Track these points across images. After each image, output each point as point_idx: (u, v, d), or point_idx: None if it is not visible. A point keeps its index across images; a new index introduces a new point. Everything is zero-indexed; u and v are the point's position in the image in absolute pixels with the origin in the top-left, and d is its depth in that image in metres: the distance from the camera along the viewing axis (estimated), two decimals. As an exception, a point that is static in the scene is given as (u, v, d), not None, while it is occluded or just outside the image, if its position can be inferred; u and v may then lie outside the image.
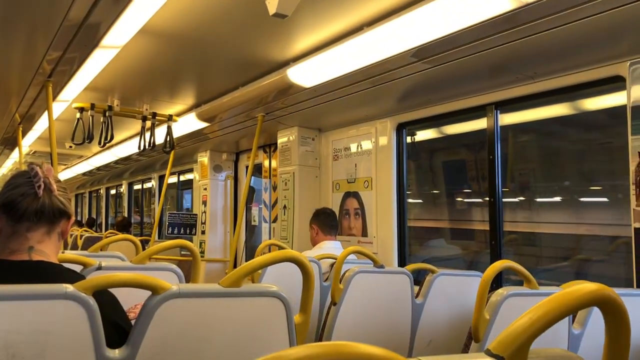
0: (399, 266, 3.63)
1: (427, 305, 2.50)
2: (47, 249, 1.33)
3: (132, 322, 1.35)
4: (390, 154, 3.79)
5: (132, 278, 1.22)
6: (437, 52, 2.59)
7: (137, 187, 9.22)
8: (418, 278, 2.76)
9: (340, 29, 2.80)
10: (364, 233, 3.96)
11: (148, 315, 1.20)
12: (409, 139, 3.85)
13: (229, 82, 3.89)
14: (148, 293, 1.24)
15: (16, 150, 6.89)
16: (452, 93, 3.26)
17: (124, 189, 9.47)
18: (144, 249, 2.68)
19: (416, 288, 2.56)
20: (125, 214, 9.05)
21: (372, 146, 3.95)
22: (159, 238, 6.28)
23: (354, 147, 4.13)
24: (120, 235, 3.00)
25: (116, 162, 7.46)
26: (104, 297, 1.25)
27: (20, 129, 5.28)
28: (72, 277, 1.32)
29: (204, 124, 4.74)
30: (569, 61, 2.59)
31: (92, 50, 2.97)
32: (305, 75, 3.23)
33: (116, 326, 1.27)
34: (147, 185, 8.61)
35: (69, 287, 1.15)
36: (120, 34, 2.76)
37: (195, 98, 4.42)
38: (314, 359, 0.55)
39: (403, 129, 3.80)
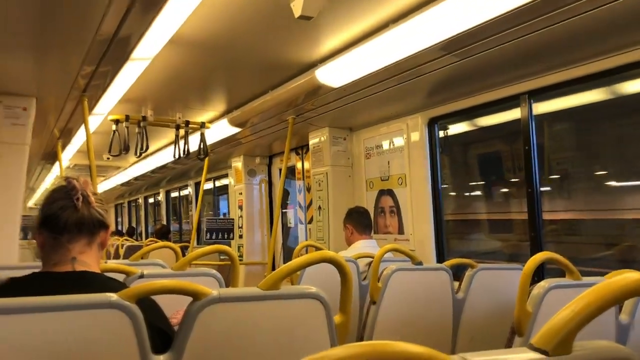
0: (437, 262, 3.59)
1: (468, 300, 2.47)
2: (88, 259, 1.37)
3: (175, 328, 1.38)
4: (423, 149, 3.76)
5: (173, 285, 1.24)
6: (465, 44, 2.56)
7: (174, 194, 9.38)
8: (457, 273, 2.73)
9: (366, 27, 2.79)
10: (400, 230, 3.94)
11: (190, 320, 1.23)
12: (441, 134, 3.81)
13: (259, 86, 3.93)
14: (189, 299, 1.27)
15: (56, 164, 7.10)
16: (483, 84, 3.21)
17: (161, 197, 9.64)
18: (183, 255, 2.72)
19: (456, 284, 2.53)
20: (164, 222, 9.22)
21: (404, 143, 3.92)
22: (197, 244, 6.38)
23: (385, 145, 4.11)
24: (160, 243, 3.06)
25: (153, 171, 7.60)
26: (147, 304, 1.28)
27: (60, 143, 5.43)
28: (115, 285, 1.35)
29: (236, 130, 4.79)
30: (603, 45, 2.52)
31: (124, 63, 3.04)
32: (334, 75, 3.23)
33: (160, 332, 1.30)
34: (184, 192, 8.74)
35: (113, 296, 1.18)
36: (151, 46, 2.81)
37: (226, 104, 4.47)
38: (356, 359, 0.55)
39: (435, 123, 3.77)
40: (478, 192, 4.19)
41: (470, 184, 4.30)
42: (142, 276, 1.90)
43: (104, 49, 2.80)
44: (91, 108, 3.92)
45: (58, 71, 3.24)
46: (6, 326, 1.10)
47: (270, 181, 6.22)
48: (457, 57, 2.73)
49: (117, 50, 2.83)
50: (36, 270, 1.38)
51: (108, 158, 6.17)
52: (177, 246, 2.79)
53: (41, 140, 5.54)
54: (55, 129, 4.86)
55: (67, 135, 5.10)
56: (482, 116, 3.75)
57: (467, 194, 4.30)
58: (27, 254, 5.22)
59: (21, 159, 3.61)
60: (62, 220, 1.33)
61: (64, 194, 1.35)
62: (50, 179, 9.11)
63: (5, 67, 2.90)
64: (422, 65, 2.87)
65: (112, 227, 2.29)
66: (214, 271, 2.06)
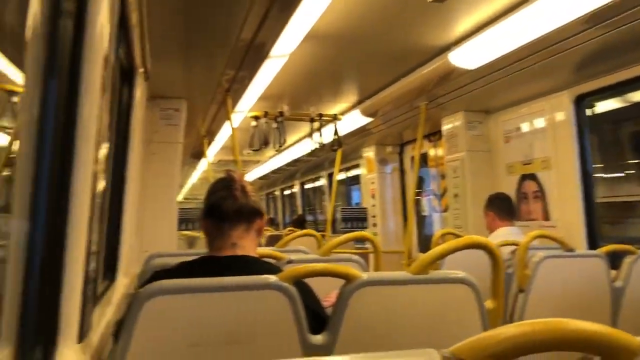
0: (589, 249, 3.34)
1: (629, 289, 2.28)
2: (247, 244, 1.48)
3: (327, 310, 1.44)
4: (570, 129, 3.50)
5: (327, 268, 1.30)
6: (615, 14, 2.35)
7: (307, 186, 9.71)
8: (613, 261, 2.52)
9: (503, 4, 2.67)
10: (546, 217, 3.72)
11: (344, 302, 1.28)
12: (588, 111, 3.53)
13: (390, 74, 3.93)
14: (335, 284, 1.32)
15: (201, 161, 7.68)
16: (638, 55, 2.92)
17: (296, 189, 10.02)
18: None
19: (612, 272, 2.35)
20: (299, 212, 9.58)
21: (548, 123, 3.68)
22: (333, 233, 6.55)
23: (526, 127, 3.90)
24: (303, 231, 3.20)
25: (288, 164, 7.92)
26: (302, 288, 1.35)
27: (205, 141, 5.87)
28: (272, 269, 1.45)
29: (367, 120, 4.84)
30: None
31: (262, 62, 3.21)
32: (468, 57, 3.13)
33: (314, 314, 1.36)
34: (318, 183, 9.01)
35: (272, 278, 1.27)
36: (287, 44, 2.95)
37: (357, 95, 4.53)
38: (530, 336, 0.54)
39: (582, 100, 3.49)
40: (632, 172, 3.84)
41: (623, 163, 3.95)
42: (290, 261, 2.00)
43: (245, 51, 2.99)
44: (233, 106, 4.18)
45: (205, 75, 3.51)
46: (181, 303, 1.23)
47: (402, 169, 6.19)
48: (606, 29, 2.51)
49: (257, 51, 3.00)
50: (195, 257, 1.52)
51: (248, 153, 6.55)
52: (318, 233, 2.89)
53: (189, 139, 6.03)
54: (201, 128, 5.26)
55: (211, 133, 5.50)
56: (637, 90, 3.42)
57: (619, 174, 3.96)
58: (180, 243, 5.72)
59: (175, 156, 3.97)
60: (224, 209, 1.45)
61: (224, 185, 1.48)
62: (197, 175, 9.86)
63: (161, 73, 3.20)
64: (566, 39, 2.68)
65: (266, 216, 2.45)
66: (356, 256, 2.12)
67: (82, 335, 1.15)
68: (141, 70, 2.72)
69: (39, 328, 0.96)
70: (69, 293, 1.01)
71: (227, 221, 1.46)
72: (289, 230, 6.44)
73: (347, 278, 1.27)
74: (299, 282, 1.33)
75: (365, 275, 1.28)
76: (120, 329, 1.27)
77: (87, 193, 1.05)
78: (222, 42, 2.88)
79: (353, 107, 4.81)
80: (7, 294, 0.90)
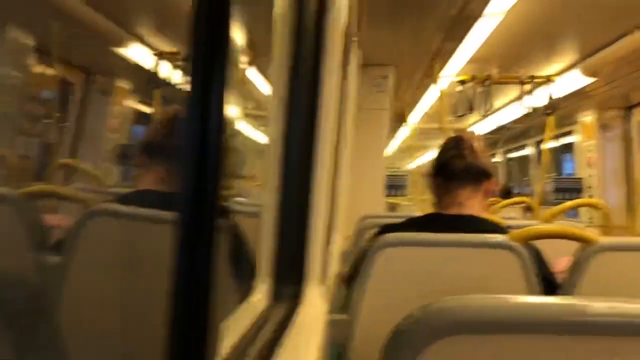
0: None
1: None
2: (473, 204, 1.48)
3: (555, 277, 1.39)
4: None
5: (563, 229, 1.25)
6: None
7: (510, 155, 9.24)
8: None
9: None
10: None
11: (579, 267, 1.21)
12: None
13: (617, 28, 3.49)
14: (561, 251, 1.25)
15: (401, 129, 7.75)
16: None
17: (498, 158, 9.59)
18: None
19: None
20: (502, 183, 9.18)
21: None
22: (542, 204, 6.17)
23: None
24: (516, 199, 3.08)
25: (491, 132, 7.58)
26: (532, 250, 1.31)
27: (407, 108, 5.91)
28: (499, 229, 1.43)
29: (585, 81, 4.39)
30: None
31: (473, 24, 3.11)
32: None
33: (544, 278, 1.32)
34: (522, 152, 8.51)
35: (502, 237, 1.26)
36: (501, 3, 2.81)
37: (577, 53, 4.13)
38: None
39: None
40: None
41: None
42: (509, 227, 1.95)
43: (456, 14, 2.92)
44: (439, 71, 4.13)
45: (413, 41, 3.52)
46: (410, 255, 1.29)
47: (627, 136, 5.51)
48: None
49: (468, 13, 2.91)
50: (404, 218, 1.58)
51: (450, 120, 6.43)
52: (533, 201, 2.76)
53: (391, 105, 6.13)
54: (404, 95, 5.31)
55: (414, 99, 5.51)
56: None
57: None
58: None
59: (382, 123, 4.08)
60: (451, 167, 1.48)
61: (454, 145, 1.50)
62: (396, 144, 9.97)
63: (372, 41, 3.29)
64: None
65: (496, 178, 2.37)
66: (581, 225, 1.99)
67: (323, 278, 1.28)
68: (355, 38, 2.83)
69: (291, 270, 1.09)
70: (314, 243, 1.12)
71: (455, 180, 1.47)
72: (493, 201, 6.21)
73: (586, 241, 1.20)
74: (529, 245, 1.30)
75: (606, 240, 1.20)
76: (352, 276, 1.38)
77: (327, 162, 1.14)
78: (432, 6, 2.85)
79: (571, 67, 4.39)
80: (264, 242, 1.03)
